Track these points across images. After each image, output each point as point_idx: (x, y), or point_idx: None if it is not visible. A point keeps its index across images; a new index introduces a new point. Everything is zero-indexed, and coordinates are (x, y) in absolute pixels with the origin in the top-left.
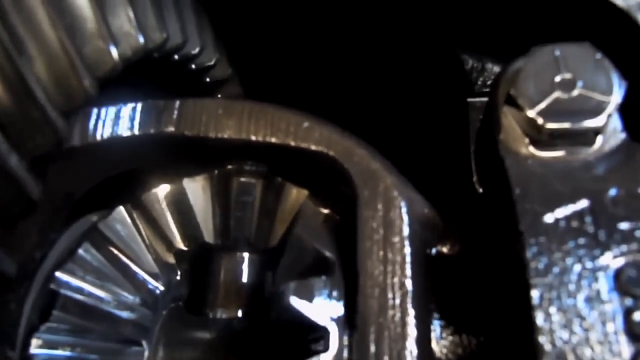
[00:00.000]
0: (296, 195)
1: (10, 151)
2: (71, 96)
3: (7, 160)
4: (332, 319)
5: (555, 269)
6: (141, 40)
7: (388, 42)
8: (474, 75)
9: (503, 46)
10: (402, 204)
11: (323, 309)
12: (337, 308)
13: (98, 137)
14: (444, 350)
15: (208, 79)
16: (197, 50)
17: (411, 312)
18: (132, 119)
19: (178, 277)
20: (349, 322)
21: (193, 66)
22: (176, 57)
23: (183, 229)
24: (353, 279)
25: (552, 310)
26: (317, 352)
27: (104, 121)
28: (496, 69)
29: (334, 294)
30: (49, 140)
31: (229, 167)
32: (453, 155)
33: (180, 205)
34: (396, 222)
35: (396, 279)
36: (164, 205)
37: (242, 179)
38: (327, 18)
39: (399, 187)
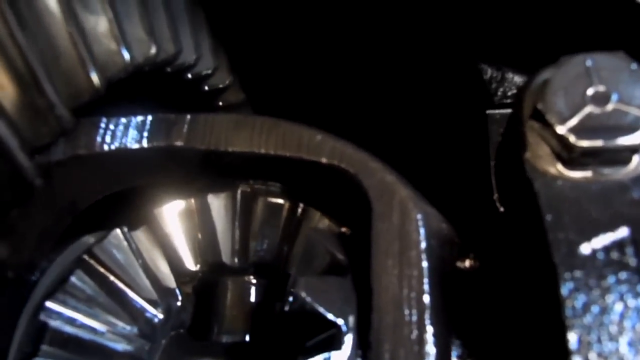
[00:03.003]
0: (317, 221)
1: (12, 136)
2: (79, 91)
3: (7, 143)
4: (346, 318)
5: (595, 308)
6: (127, 57)
7: (402, 49)
8: (493, 86)
9: (524, 54)
10: (419, 216)
11: (336, 305)
12: (351, 308)
13: (106, 148)
14: None
15: (206, 87)
16: (192, 59)
17: (429, 329)
18: (141, 131)
19: (179, 303)
20: (362, 341)
21: (189, 76)
22: (169, 69)
23: (198, 248)
24: (367, 295)
25: (592, 356)
26: (329, 349)
27: (112, 132)
28: (517, 79)
29: (348, 293)
30: (53, 131)
31: (255, 185)
32: (472, 171)
33: (201, 222)
34: (412, 235)
35: (413, 294)
36: (177, 222)
37: (270, 199)
38: (337, 24)
39: (415, 200)
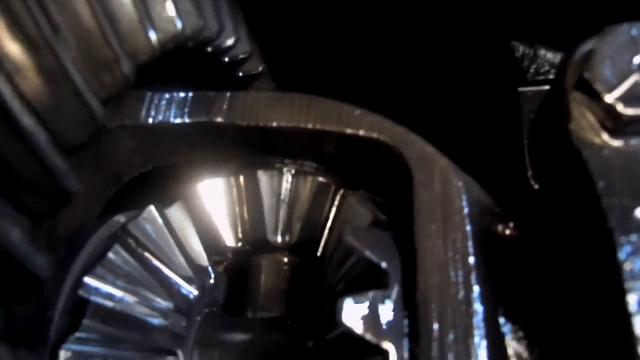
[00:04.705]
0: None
1: (48, 143)
2: (110, 83)
3: (44, 152)
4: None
5: None
6: (179, 25)
7: (434, 31)
8: (525, 63)
9: (557, 31)
10: (460, 184)
11: (381, 250)
12: (394, 256)
13: (150, 120)
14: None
15: (240, 73)
16: (232, 41)
17: (476, 289)
18: (182, 107)
19: (212, 281)
20: (408, 302)
21: (226, 59)
22: (209, 49)
23: (241, 224)
24: (409, 260)
25: None
26: (375, 288)
27: (157, 105)
28: (549, 56)
29: (391, 245)
30: (87, 129)
31: (297, 163)
32: (504, 149)
33: (247, 198)
34: (455, 201)
35: (458, 256)
36: (215, 198)
37: (319, 179)
38: (367, 5)
39: (455, 169)
